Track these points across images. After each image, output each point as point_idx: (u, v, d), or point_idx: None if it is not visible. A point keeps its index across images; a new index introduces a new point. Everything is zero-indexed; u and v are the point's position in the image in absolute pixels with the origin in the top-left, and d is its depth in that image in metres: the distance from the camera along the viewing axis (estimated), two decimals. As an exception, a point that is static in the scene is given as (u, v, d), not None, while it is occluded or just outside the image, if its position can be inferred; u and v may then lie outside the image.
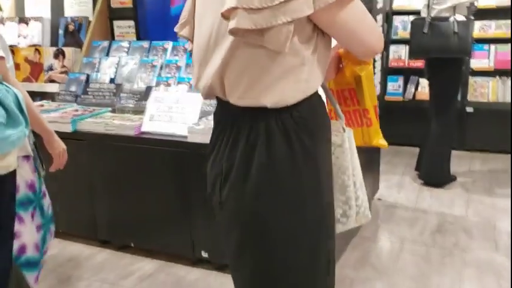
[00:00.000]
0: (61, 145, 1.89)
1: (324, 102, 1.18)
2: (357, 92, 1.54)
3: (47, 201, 1.88)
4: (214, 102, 2.48)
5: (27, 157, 1.75)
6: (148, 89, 2.76)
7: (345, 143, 1.26)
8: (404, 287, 2.36)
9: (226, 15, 0.98)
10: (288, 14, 0.94)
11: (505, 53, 4.38)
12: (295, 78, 1.04)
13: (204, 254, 2.48)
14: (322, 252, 1.14)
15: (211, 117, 2.48)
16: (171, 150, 2.43)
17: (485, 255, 2.63)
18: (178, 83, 2.74)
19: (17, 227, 1.68)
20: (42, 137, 1.84)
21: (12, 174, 1.56)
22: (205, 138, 2.25)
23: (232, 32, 0.97)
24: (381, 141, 1.99)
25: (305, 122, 1.07)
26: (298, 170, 1.06)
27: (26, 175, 1.75)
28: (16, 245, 1.71)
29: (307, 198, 1.09)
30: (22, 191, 1.75)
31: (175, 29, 1.24)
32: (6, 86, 1.51)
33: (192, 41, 1.20)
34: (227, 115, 1.13)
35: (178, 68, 2.85)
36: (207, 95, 1.17)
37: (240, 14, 0.95)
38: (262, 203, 1.08)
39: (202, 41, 1.12)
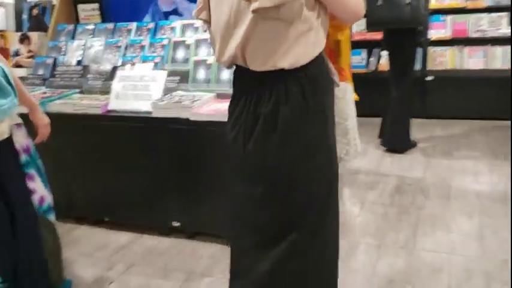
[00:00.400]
0: (45, 117, 2.01)
1: (327, 61, 1.39)
2: (335, 53, 1.71)
3: (40, 162, 2.01)
4: (177, 78, 2.62)
5: (19, 125, 1.87)
6: (114, 69, 2.84)
7: (347, 94, 1.47)
8: (363, 243, 2.54)
9: None
10: None
11: (461, 22, 4.57)
12: (306, 42, 1.26)
13: (176, 224, 2.61)
14: (333, 181, 1.41)
15: (175, 93, 2.61)
16: (138, 126, 2.53)
17: (438, 211, 2.83)
18: (143, 61, 2.83)
19: (31, 184, 1.90)
20: (28, 110, 1.94)
21: (9, 140, 1.72)
22: (169, 113, 2.40)
23: (255, 11, 1.18)
24: (353, 94, 2.34)
25: (316, 78, 1.30)
26: (312, 120, 1.31)
27: (21, 140, 1.88)
28: (36, 197, 1.94)
29: (319, 143, 1.34)
30: (22, 154, 1.88)
31: (194, 14, 1.42)
32: None
33: (209, 23, 1.38)
34: (248, 80, 1.34)
35: (142, 47, 2.94)
36: (229, 65, 1.38)
37: None
38: (287, 150, 1.31)
39: (222, 21, 1.31)
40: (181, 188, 2.54)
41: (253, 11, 1.20)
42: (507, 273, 2.17)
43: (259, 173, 1.37)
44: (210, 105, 2.42)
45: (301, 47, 1.25)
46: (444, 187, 3.16)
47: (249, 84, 1.34)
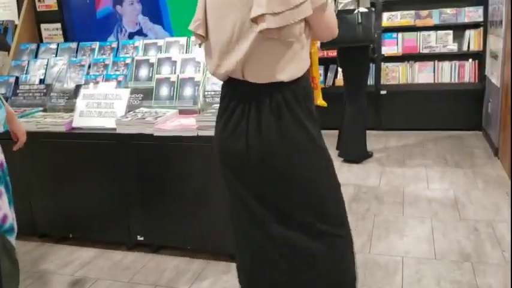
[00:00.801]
0: (22, 125, 2.08)
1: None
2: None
3: (8, 179, 2.02)
4: (140, 96, 2.69)
5: None
6: (78, 87, 2.90)
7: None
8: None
9: (254, 20, 1.34)
10: (301, 14, 1.35)
11: (411, 39, 4.85)
12: (299, 58, 1.45)
13: (140, 238, 2.67)
14: (335, 176, 1.62)
15: (138, 110, 2.69)
16: (102, 143, 2.59)
17: (392, 217, 3.00)
18: (106, 80, 2.89)
19: None
20: (7, 118, 1.97)
21: None
22: (132, 129, 2.48)
23: (261, 31, 1.33)
24: (322, 101, 2.58)
25: (305, 87, 1.49)
26: (305, 125, 1.47)
27: None
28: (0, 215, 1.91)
29: (317, 143, 1.51)
30: None
31: (191, 28, 1.52)
32: None
33: (205, 38, 1.50)
34: (245, 90, 1.47)
35: (105, 66, 3.01)
36: (224, 77, 1.52)
37: (267, 18, 1.31)
38: (293, 151, 1.47)
39: (224, 37, 1.43)
40: (145, 203, 2.61)
41: (260, 32, 1.34)
42: (457, 273, 2.34)
43: (267, 172, 1.49)
44: (173, 121, 2.52)
45: (296, 63, 1.44)
46: (398, 194, 3.34)
47: (247, 94, 1.47)
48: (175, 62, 2.82)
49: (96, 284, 2.42)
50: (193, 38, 2.72)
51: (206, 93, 2.66)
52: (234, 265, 2.47)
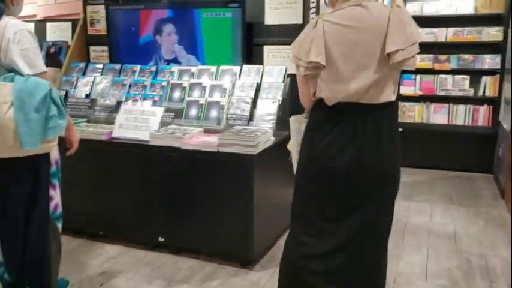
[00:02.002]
0: (77, 134, 2.42)
1: None
2: None
3: (60, 176, 2.40)
4: (172, 114, 3.05)
5: None
6: (119, 103, 3.30)
7: None
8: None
9: (390, 53, 1.71)
10: (416, 50, 1.73)
11: (429, 81, 5.14)
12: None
13: (161, 239, 2.99)
14: None
15: (169, 127, 3.06)
16: (136, 152, 2.96)
17: (392, 245, 3.19)
18: (144, 98, 3.29)
19: (52, 192, 2.27)
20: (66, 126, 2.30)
21: (49, 153, 2.17)
22: (163, 142, 2.83)
23: (400, 62, 1.71)
24: None
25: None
26: (399, 135, 1.89)
27: (54, 154, 2.28)
28: (52, 204, 2.30)
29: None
30: (53, 166, 2.28)
31: (314, 59, 1.76)
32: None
33: (323, 67, 1.78)
34: (353, 112, 1.80)
35: (144, 86, 3.41)
36: (335, 101, 1.82)
37: (400, 52, 1.70)
38: (396, 160, 1.88)
39: (348, 68, 1.76)
40: (168, 208, 2.94)
41: (395, 63, 1.71)
42: (440, 294, 2.57)
43: (378, 176, 1.84)
44: (199, 138, 2.87)
45: (397, 86, 1.85)
46: (400, 224, 3.58)
47: (358, 113, 1.80)
48: (205, 87, 3.20)
49: (121, 275, 2.75)
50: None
51: (229, 115, 3.02)
52: (241, 270, 2.78)
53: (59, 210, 2.37)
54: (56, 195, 2.32)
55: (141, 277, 2.73)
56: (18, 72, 2.04)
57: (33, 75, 2.04)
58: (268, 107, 3.02)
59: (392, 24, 1.72)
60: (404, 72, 5.07)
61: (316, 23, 1.78)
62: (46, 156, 2.17)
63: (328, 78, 1.81)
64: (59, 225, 2.40)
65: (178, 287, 2.61)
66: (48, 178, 2.22)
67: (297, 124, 2.08)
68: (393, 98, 1.83)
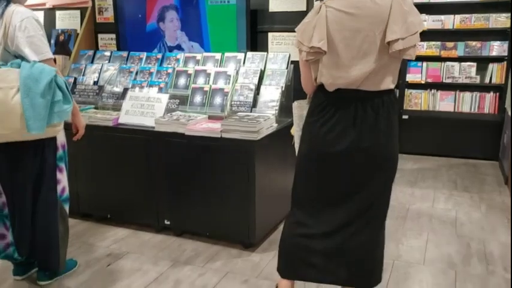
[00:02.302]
0: (83, 120, 2.50)
1: None
2: None
3: (67, 160, 2.47)
4: (177, 101, 3.12)
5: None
6: (125, 90, 3.37)
7: None
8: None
9: (390, 42, 1.75)
10: (416, 40, 1.78)
11: (435, 69, 5.13)
12: (398, 71, 1.92)
13: (167, 222, 3.08)
14: None
15: (174, 113, 3.12)
16: (142, 138, 3.04)
17: (393, 229, 3.28)
18: (150, 85, 3.36)
19: (59, 175, 2.35)
20: (72, 112, 2.37)
21: (55, 137, 2.25)
22: (168, 128, 2.91)
23: (400, 51, 1.76)
24: None
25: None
26: (396, 121, 1.94)
27: (61, 138, 2.36)
28: (59, 187, 2.38)
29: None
30: (60, 150, 2.35)
31: (316, 45, 1.81)
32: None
33: (324, 52, 1.82)
34: (355, 98, 1.85)
35: (150, 73, 3.48)
36: (336, 87, 1.87)
37: (399, 42, 1.74)
38: (395, 139, 1.95)
39: (348, 55, 1.81)
40: (173, 192, 3.02)
41: (395, 51, 1.75)
42: (440, 277, 2.62)
43: (376, 161, 1.92)
44: (202, 124, 2.94)
45: (397, 74, 1.90)
46: (402, 210, 3.62)
47: (357, 101, 1.85)
48: (209, 74, 3.26)
49: (127, 256, 2.85)
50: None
51: (233, 102, 3.08)
52: (244, 252, 2.86)
53: (66, 193, 2.45)
54: (63, 179, 2.40)
55: (146, 258, 2.82)
56: (25, 59, 2.12)
57: (39, 61, 2.12)
58: (272, 93, 3.08)
59: (393, 13, 1.75)
60: (410, 59, 5.12)
61: (320, 8, 1.82)
62: (52, 140, 2.25)
63: (329, 64, 1.84)
64: (66, 207, 2.49)
65: (182, 267, 2.70)
66: (55, 162, 2.30)
67: (300, 109, 2.13)
68: (392, 86, 1.88)
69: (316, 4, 1.87)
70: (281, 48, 3.36)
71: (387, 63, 1.82)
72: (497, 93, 4.99)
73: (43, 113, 2.06)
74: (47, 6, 4.19)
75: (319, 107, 1.93)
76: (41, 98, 2.04)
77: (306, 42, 1.85)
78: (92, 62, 3.80)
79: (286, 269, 2.12)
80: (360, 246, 2.01)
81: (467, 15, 4.98)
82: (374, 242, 2.05)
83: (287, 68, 3.19)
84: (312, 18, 1.85)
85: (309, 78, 1.97)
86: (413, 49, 1.79)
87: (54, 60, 2.31)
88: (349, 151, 1.89)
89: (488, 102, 5.02)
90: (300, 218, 2.05)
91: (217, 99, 3.12)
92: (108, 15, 3.97)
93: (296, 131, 2.16)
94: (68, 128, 2.45)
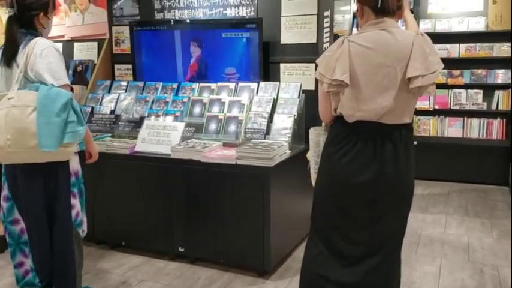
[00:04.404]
0: (96, 148, 2.56)
1: None
2: None
3: (83, 187, 2.51)
4: (193, 129, 3.19)
5: (75, 152, 2.44)
6: (142, 118, 3.47)
7: None
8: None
9: (410, 78, 1.81)
10: (435, 78, 1.83)
11: (443, 96, 5.22)
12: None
13: (181, 249, 3.12)
14: None
15: (190, 141, 3.20)
16: (158, 165, 3.11)
17: (406, 255, 3.27)
18: (166, 114, 3.45)
19: (73, 201, 2.39)
20: (84, 140, 2.46)
21: (67, 163, 2.30)
22: (184, 155, 2.98)
23: (419, 88, 1.81)
24: None
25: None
26: (412, 151, 1.97)
27: (74, 165, 2.41)
28: (74, 212, 2.41)
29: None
30: (72, 177, 2.40)
31: (339, 78, 1.86)
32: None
33: (346, 85, 1.88)
34: (372, 130, 1.90)
35: (166, 103, 3.58)
36: (355, 119, 1.91)
37: (419, 78, 1.79)
38: (413, 171, 1.98)
39: (370, 89, 1.87)
40: (187, 219, 3.07)
41: (415, 88, 1.80)
42: (453, 303, 2.63)
43: (398, 191, 1.95)
44: (218, 151, 3.01)
45: (413, 110, 1.96)
46: (415, 236, 3.64)
47: (377, 132, 1.90)
48: (224, 102, 3.35)
49: (141, 284, 2.88)
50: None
51: (247, 130, 3.16)
52: (258, 279, 2.89)
53: (79, 217, 2.49)
54: (76, 204, 2.45)
55: (161, 286, 2.85)
56: (43, 83, 2.21)
57: (57, 86, 2.19)
58: (284, 121, 3.16)
59: (415, 51, 1.82)
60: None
61: (343, 42, 1.89)
62: (65, 165, 2.30)
63: (350, 97, 1.90)
64: (79, 230, 2.52)
65: (198, 294, 2.73)
66: (68, 187, 2.35)
67: (316, 136, 2.18)
68: (410, 120, 1.94)
69: (339, 38, 1.94)
70: (292, 78, 3.45)
71: (406, 99, 1.87)
72: (504, 119, 5.05)
73: (56, 132, 2.11)
74: (66, 38, 4.33)
75: (339, 137, 1.97)
76: (56, 117, 2.10)
77: (328, 74, 1.90)
78: (109, 91, 3.91)
79: None
80: (381, 278, 2.04)
81: (471, 45, 5.10)
82: (393, 272, 2.09)
83: (299, 97, 3.28)
84: (335, 51, 1.91)
85: (327, 109, 2.03)
86: (432, 86, 1.84)
87: (72, 89, 2.39)
88: (371, 181, 1.92)
89: (496, 128, 5.07)
90: (316, 253, 2.08)
91: (232, 127, 3.20)
92: (125, 47, 4.10)
93: (312, 156, 2.21)
94: (83, 155, 2.52)
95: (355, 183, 1.94)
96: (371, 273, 2.00)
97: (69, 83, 2.29)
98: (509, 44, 4.95)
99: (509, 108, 4.98)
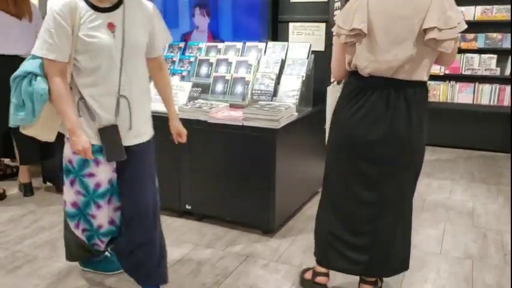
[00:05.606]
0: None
1: None
2: None
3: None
4: (199, 89, 3.17)
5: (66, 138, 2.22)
6: (149, 78, 3.43)
7: None
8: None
9: (426, 29, 1.78)
10: (454, 34, 1.80)
11: (455, 60, 5.10)
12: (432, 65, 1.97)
13: (188, 207, 3.16)
14: None
15: (197, 101, 3.19)
16: (164, 125, 3.10)
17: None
18: (173, 74, 3.43)
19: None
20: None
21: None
22: (191, 115, 2.97)
23: (429, 38, 1.78)
24: None
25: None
26: (425, 112, 1.96)
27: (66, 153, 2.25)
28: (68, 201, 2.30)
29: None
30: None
31: (358, 27, 1.85)
32: None
33: (364, 35, 1.87)
34: (386, 86, 1.89)
35: (173, 62, 3.54)
36: (368, 72, 1.90)
37: (435, 31, 1.77)
38: (423, 139, 1.99)
39: (387, 40, 1.85)
40: (194, 178, 3.10)
41: (430, 40, 1.78)
42: (457, 266, 2.66)
43: (408, 152, 1.96)
44: (224, 112, 3.00)
45: (430, 69, 1.92)
46: (419, 200, 3.65)
47: (391, 88, 1.89)
48: (231, 63, 3.31)
49: (149, 239, 2.94)
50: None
51: (254, 91, 3.14)
52: (263, 237, 2.93)
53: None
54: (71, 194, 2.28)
55: (169, 241, 2.89)
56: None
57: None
58: (292, 83, 3.12)
59: (434, 3, 1.80)
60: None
61: None
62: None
63: (366, 47, 1.89)
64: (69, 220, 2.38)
65: (203, 251, 2.79)
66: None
67: (336, 92, 2.19)
68: (426, 78, 1.91)
69: None
70: (301, 38, 3.39)
71: (422, 53, 1.85)
72: (517, 86, 4.96)
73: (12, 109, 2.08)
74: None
75: (352, 94, 1.97)
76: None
77: (346, 26, 1.90)
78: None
79: (322, 259, 2.24)
80: (392, 237, 2.09)
81: (488, 7, 4.95)
82: (405, 231, 2.15)
83: (307, 58, 3.23)
84: (353, 3, 1.90)
85: (342, 63, 2.02)
86: (449, 42, 1.80)
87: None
88: (381, 139, 1.93)
89: (508, 95, 4.99)
90: (328, 213, 2.13)
91: (239, 88, 3.17)
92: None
93: (328, 114, 2.22)
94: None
95: (366, 140, 1.95)
96: (381, 232, 2.06)
97: (41, 55, 1.92)
98: (527, 7, 4.80)
99: (523, 74, 4.89)
